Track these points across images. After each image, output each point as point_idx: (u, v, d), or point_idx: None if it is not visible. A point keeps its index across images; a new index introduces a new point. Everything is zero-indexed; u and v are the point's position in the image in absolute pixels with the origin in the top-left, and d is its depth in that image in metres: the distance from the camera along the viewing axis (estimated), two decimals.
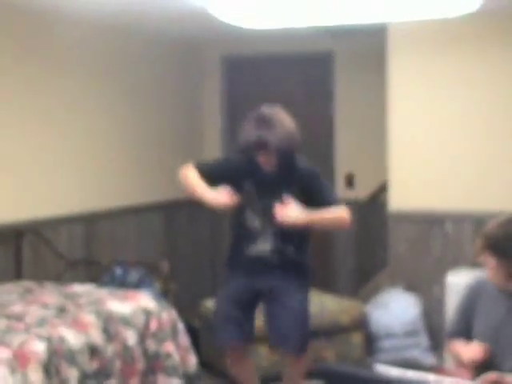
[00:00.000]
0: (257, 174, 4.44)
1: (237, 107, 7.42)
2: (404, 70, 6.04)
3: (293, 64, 7.31)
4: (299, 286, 4.49)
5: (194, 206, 7.21)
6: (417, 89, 6.05)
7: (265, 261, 4.45)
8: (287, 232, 4.37)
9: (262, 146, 4.24)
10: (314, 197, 4.38)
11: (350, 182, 7.22)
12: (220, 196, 4.32)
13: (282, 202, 4.27)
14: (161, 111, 7.00)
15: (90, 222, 6.12)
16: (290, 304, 4.43)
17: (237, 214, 4.50)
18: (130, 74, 6.58)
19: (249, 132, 4.28)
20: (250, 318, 4.59)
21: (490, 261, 3.30)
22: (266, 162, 4.37)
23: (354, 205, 7.01)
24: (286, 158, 4.36)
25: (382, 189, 6.50)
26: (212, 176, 4.48)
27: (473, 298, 3.51)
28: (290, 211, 4.22)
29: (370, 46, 6.49)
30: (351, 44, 6.92)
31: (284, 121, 4.29)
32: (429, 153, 6.01)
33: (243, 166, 4.48)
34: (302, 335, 4.50)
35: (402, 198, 6.08)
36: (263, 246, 4.44)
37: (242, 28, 5.46)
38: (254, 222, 4.45)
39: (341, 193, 7.09)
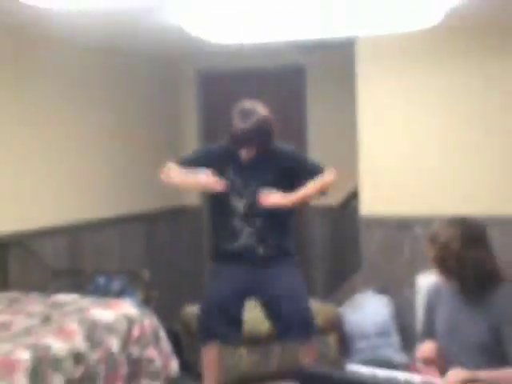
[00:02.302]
0: (237, 161, 4.51)
1: (212, 120, 7.45)
2: (372, 82, 6.06)
3: (266, 78, 7.33)
4: (291, 273, 4.55)
5: (174, 216, 7.27)
6: (384, 99, 6.08)
7: (248, 254, 4.49)
8: (272, 224, 4.47)
9: (246, 140, 4.37)
10: (298, 171, 4.52)
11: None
12: (211, 178, 4.39)
13: (266, 185, 4.39)
14: (139, 124, 6.99)
15: (73, 233, 6.10)
16: (290, 291, 4.51)
17: (222, 204, 4.54)
18: (109, 88, 6.58)
19: (235, 126, 4.38)
20: (238, 316, 4.63)
21: (431, 259, 3.36)
22: (248, 152, 4.46)
23: (327, 211, 7.08)
24: (266, 141, 4.45)
25: (353, 195, 6.52)
26: (197, 163, 4.53)
27: (433, 300, 3.55)
28: (274, 197, 4.36)
29: (339, 59, 6.51)
30: (322, 58, 6.94)
31: (261, 110, 4.42)
32: (397, 160, 6.04)
33: (223, 155, 4.55)
34: (310, 319, 4.56)
35: (372, 203, 6.10)
36: (248, 239, 4.49)
37: (215, 43, 5.47)
38: (239, 208, 4.49)
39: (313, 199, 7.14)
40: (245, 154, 4.46)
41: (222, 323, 4.56)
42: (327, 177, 4.52)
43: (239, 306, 4.63)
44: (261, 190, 4.39)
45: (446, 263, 3.29)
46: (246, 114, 4.38)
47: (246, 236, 4.49)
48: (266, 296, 4.58)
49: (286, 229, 4.59)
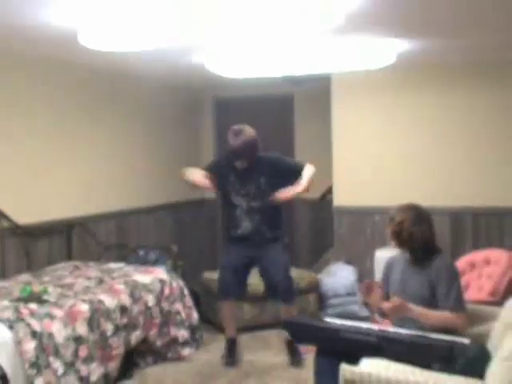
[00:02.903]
0: (235, 169, 4.53)
1: (224, 135, 7.35)
2: (343, 106, 6.07)
3: (264, 103, 7.30)
4: (278, 252, 4.58)
5: (196, 206, 7.25)
6: (353, 119, 6.08)
7: (249, 238, 4.55)
8: (264, 216, 4.51)
9: (237, 155, 4.43)
10: (285, 172, 4.53)
11: None
12: (202, 179, 4.57)
13: (260, 187, 4.46)
14: (170, 139, 6.97)
15: (120, 217, 6.09)
16: (277, 265, 4.53)
17: (227, 201, 4.62)
18: (146, 112, 6.56)
19: (229, 144, 4.46)
20: (243, 280, 4.71)
21: (389, 234, 3.40)
22: (242, 163, 4.48)
23: (309, 203, 7.07)
24: (253, 155, 4.46)
25: (329, 190, 6.51)
26: (210, 171, 4.64)
27: (388, 268, 3.56)
28: (283, 194, 4.46)
29: (320, 89, 6.48)
30: (306, 88, 6.92)
31: (247, 131, 4.45)
32: (361, 166, 6.06)
33: (226, 164, 4.59)
34: (290, 286, 4.58)
35: (343, 197, 6.12)
36: (246, 229, 4.54)
37: (228, 77, 5.46)
38: (240, 204, 4.54)
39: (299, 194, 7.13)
40: (239, 164, 4.49)
41: (235, 285, 4.64)
42: (310, 169, 4.51)
43: (245, 273, 4.69)
44: (257, 193, 4.48)
45: (400, 236, 3.34)
46: (235, 134, 4.43)
47: (245, 226, 4.55)
48: (261, 268, 4.64)
49: (277, 222, 4.63)
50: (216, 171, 4.64)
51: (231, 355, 4.64)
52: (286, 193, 4.48)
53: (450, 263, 3.34)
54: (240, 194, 4.54)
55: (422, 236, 3.31)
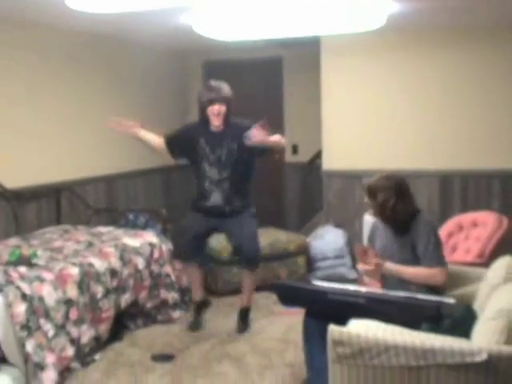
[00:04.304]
0: (207, 133, 4.40)
1: None
2: (333, 70, 6.03)
3: (254, 66, 7.25)
4: (246, 222, 4.47)
5: (184, 171, 7.22)
6: (342, 83, 6.05)
7: (218, 209, 4.43)
8: (234, 186, 4.37)
9: (211, 101, 4.29)
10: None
11: (295, 150, 7.20)
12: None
13: (231, 153, 4.31)
14: (158, 103, 6.92)
15: (110, 181, 6.07)
16: (245, 232, 4.44)
17: (197, 167, 4.44)
18: (134, 75, 6.49)
19: (203, 94, 4.34)
20: (204, 246, 4.68)
21: (368, 203, 3.44)
22: (215, 118, 4.32)
23: (298, 167, 7.07)
24: (229, 113, 4.34)
25: (318, 155, 6.50)
26: (174, 138, 4.55)
27: (373, 231, 3.61)
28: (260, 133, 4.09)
29: (309, 52, 6.43)
30: (295, 51, 6.87)
31: (225, 88, 4.35)
32: (351, 129, 6.05)
33: (197, 128, 4.46)
34: (256, 255, 4.52)
35: (332, 161, 6.11)
36: (217, 199, 4.40)
37: (217, 40, 5.40)
38: (210, 171, 4.38)
39: (288, 158, 7.14)
40: (214, 120, 4.33)
41: (198, 251, 4.59)
42: (277, 137, 4.27)
43: (205, 240, 4.66)
44: (227, 160, 4.32)
45: (383, 214, 3.38)
46: (212, 89, 4.33)
47: (215, 197, 4.40)
48: (231, 237, 4.56)
49: (246, 192, 4.49)
50: (184, 134, 4.51)
51: (196, 318, 4.64)
52: (260, 135, 4.07)
53: (426, 220, 3.34)
54: (209, 161, 4.35)
55: (405, 209, 3.33)
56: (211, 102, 4.31)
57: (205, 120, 4.40)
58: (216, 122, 4.35)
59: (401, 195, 3.33)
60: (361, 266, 3.35)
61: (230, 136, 4.35)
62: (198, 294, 4.71)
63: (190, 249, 4.54)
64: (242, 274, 4.62)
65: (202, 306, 4.72)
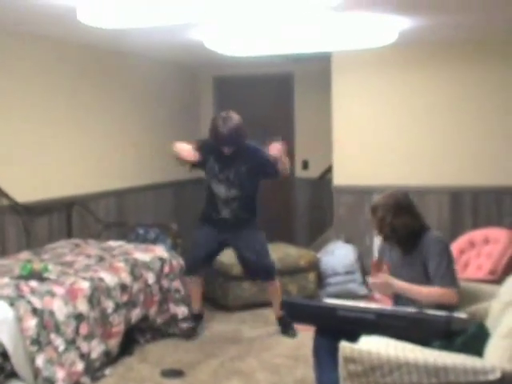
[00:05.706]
0: (218, 153, 4.54)
1: None
2: (344, 85, 6.03)
3: (264, 82, 7.26)
4: (254, 233, 4.66)
5: (195, 185, 7.24)
6: (352, 99, 6.05)
7: (227, 222, 4.61)
8: (241, 203, 4.58)
9: (226, 141, 4.43)
10: (263, 162, 4.49)
11: (305, 165, 7.20)
12: (192, 152, 4.48)
13: (240, 175, 4.50)
14: (169, 118, 6.94)
15: (120, 195, 6.08)
16: (253, 245, 4.63)
17: (207, 184, 4.66)
18: (145, 90, 6.52)
19: (213, 135, 4.45)
20: (213, 259, 4.85)
21: (371, 220, 3.39)
22: (228, 149, 4.49)
23: (308, 182, 7.07)
24: (241, 140, 4.47)
25: (328, 170, 6.49)
26: (200, 147, 4.57)
27: (383, 250, 3.52)
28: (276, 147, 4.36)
29: (320, 68, 6.45)
30: (306, 67, 6.88)
31: (235, 117, 4.44)
32: (360, 147, 6.05)
33: (209, 145, 4.56)
34: (268, 264, 4.67)
35: (343, 176, 6.10)
36: (225, 213, 4.61)
37: (228, 55, 5.42)
38: (218, 189, 4.58)
39: (298, 173, 7.14)
40: (227, 150, 4.50)
41: (204, 263, 4.78)
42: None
43: (216, 252, 4.80)
44: (236, 180, 4.52)
45: (382, 231, 3.32)
46: (224, 120, 4.41)
47: (224, 213, 4.61)
48: (237, 250, 4.72)
49: (253, 208, 4.67)
50: (201, 148, 4.59)
51: (194, 329, 4.72)
52: (276, 151, 4.36)
53: (436, 237, 3.25)
54: (218, 179, 4.57)
55: (405, 226, 3.25)
56: (220, 145, 4.48)
57: None
58: (226, 152, 4.52)
59: (398, 212, 3.25)
60: (372, 280, 3.29)
61: (239, 159, 4.53)
62: (196, 307, 4.82)
63: (200, 262, 4.72)
64: (265, 288, 4.80)
65: (198, 319, 4.83)
